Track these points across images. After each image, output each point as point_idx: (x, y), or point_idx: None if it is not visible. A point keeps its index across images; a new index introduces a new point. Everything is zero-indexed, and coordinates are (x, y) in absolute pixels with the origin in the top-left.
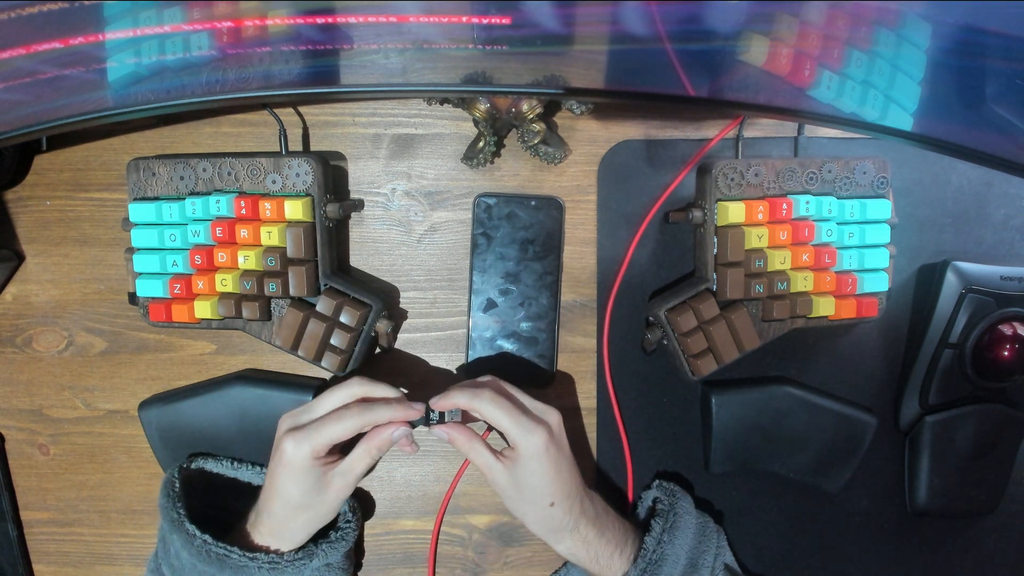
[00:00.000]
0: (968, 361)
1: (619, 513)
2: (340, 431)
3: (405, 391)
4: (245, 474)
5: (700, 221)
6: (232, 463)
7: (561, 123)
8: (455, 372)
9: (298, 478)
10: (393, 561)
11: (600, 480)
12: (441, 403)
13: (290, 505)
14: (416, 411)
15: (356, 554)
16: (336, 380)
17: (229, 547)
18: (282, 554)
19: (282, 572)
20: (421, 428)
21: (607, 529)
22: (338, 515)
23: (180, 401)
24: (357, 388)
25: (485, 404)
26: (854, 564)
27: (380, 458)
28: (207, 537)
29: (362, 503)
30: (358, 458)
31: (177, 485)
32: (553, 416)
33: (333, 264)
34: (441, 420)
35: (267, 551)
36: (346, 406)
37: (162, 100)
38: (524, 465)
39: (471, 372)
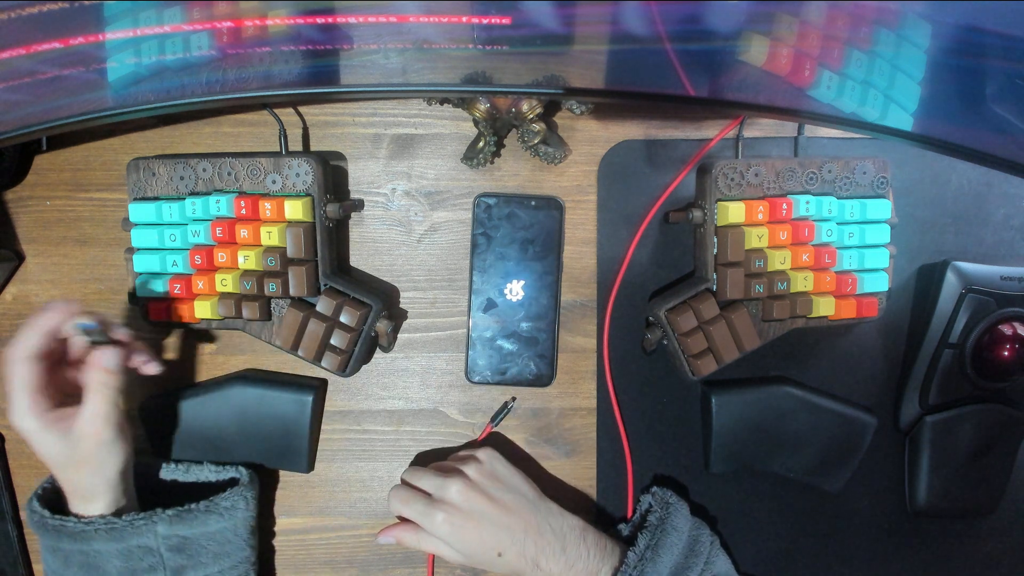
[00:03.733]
0: (968, 361)
1: (617, 516)
2: (20, 377)
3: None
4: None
5: (700, 221)
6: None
7: (561, 123)
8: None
9: (41, 439)
10: (393, 561)
11: (600, 480)
12: (382, 536)
13: (62, 464)
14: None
15: (260, 562)
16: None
17: (64, 517)
18: (120, 515)
19: (120, 534)
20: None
21: (578, 560)
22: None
23: (180, 401)
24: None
25: (394, 505)
26: (854, 564)
27: (120, 386)
28: (44, 512)
29: (361, 504)
30: (92, 398)
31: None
32: (452, 487)
33: (333, 264)
34: None
35: (87, 516)
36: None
37: (162, 100)
38: (448, 542)
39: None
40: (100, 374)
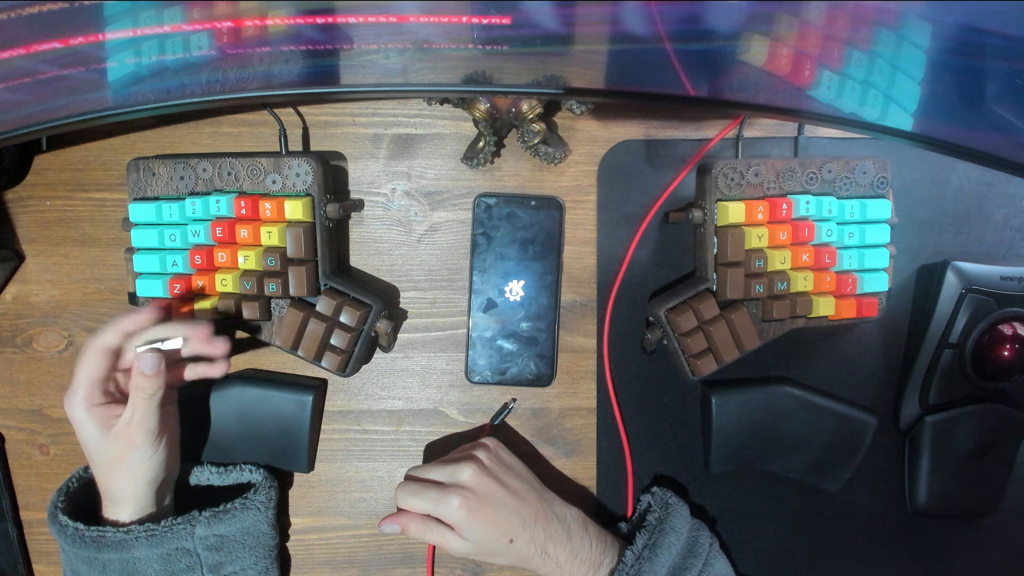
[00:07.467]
0: (968, 361)
1: (618, 515)
2: (86, 366)
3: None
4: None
5: (700, 221)
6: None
7: (561, 123)
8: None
9: (83, 431)
10: (393, 561)
11: (600, 480)
12: (386, 524)
13: (97, 462)
14: (148, 314)
15: (282, 556)
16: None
17: (102, 528)
18: (158, 521)
19: (160, 540)
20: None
21: (582, 549)
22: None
23: (180, 401)
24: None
25: (403, 499)
26: (854, 564)
27: (157, 394)
28: (79, 525)
29: (361, 504)
30: (132, 403)
31: (70, 487)
32: (465, 470)
33: (333, 264)
34: None
35: (117, 523)
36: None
37: (162, 100)
38: (461, 528)
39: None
40: (138, 378)
